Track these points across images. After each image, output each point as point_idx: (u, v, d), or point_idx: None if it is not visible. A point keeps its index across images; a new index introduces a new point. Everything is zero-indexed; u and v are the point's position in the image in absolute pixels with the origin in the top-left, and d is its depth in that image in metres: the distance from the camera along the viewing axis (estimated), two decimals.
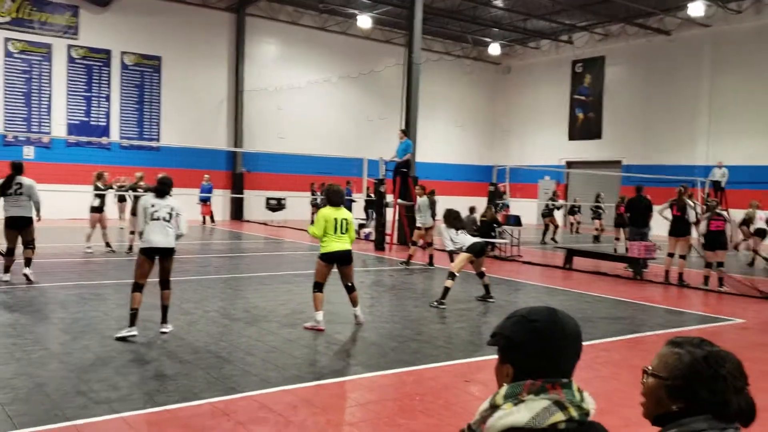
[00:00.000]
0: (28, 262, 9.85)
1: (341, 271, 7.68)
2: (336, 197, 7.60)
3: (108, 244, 14.23)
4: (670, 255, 12.36)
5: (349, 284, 7.71)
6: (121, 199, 17.66)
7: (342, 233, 7.48)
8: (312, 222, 23.18)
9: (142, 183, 14.80)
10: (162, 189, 7.04)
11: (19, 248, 9.90)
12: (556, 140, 31.16)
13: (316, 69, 28.41)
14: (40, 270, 11.03)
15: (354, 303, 7.74)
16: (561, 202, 23.80)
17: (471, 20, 28.03)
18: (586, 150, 29.90)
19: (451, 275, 9.19)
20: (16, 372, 5.44)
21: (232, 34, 26.84)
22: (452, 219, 9.61)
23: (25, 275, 9.74)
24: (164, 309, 7.07)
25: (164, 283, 7.06)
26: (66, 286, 9.81)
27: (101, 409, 4.65)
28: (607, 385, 5.81)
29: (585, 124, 30.35)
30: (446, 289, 9.11)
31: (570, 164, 30.49)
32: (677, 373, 1.65)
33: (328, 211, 7.50)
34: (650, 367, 1.72)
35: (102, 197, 14.40)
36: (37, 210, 9.94)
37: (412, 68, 17.92)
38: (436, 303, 9.10)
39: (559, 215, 23.42)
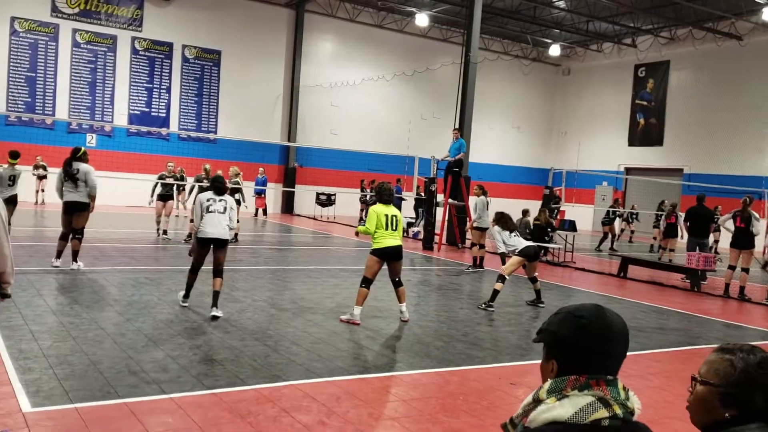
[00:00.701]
0: (75, 255, 9.71)
1: (391, 267, 7.71)
2: (387, 195, 7.72)
3: (165, 232, 14.60)
4: (732, 267, 11.92)
5: (397, 279, 7.73)
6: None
7: (393, 229, 7.56)
8: (361, 219, 23.42)
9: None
10: (219, 187, 7.64)
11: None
12: (614, 145, 30.49)
13: (371, 66, 28.51)
14: (99, 254, 11.40)
15: (400, 299, 7.76)
16: (620, 210, 22.98)
17: (531, 20, 27.65)
18: (646, 156, 29.15)
19: (501, 278, 9.08)
20: (72, 349, 5.63)
21: (290, 30, 27.17)
22: (505, 221, 9.50)
23: (74, 269, 9.62)
24: (215, 295, 7.39)
25: (217, 272, 7.43)
26: (123, 270, 10.10)
27: (151, 389, 4.76)
28: (657, 395, 5.64)
29: (646, 130, 29.59)
30: (495, 292, 9.01)
31: (629, 170, 29.78)
32: (730, 380, 1.61)
33: (379, 208, 7.59)
34: (700, 375, 1.67)
35: (167, 186, 14.80)
36: (92, 197, 9.76)
37: (469, 67, 17.78)
38: (484, 305, 9.01)
39: (617, 223, 22.83)
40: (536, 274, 9.53)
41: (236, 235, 14.75)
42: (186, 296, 7.73)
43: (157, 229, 14.74)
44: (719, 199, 20.22)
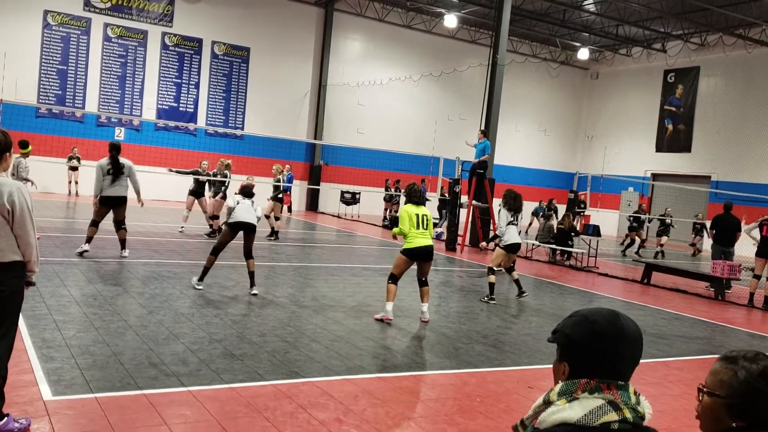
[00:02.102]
0: (123, 244, 10.42)
1: (420, 267, 7.75)
2: (417, 196, 7.82)
3: (211, 227, 14.70)
4: (757, 277, 11.73)
5: (423, 279, 7.75)
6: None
7: (424, 228, 7.62)
8: (384, 218, 23.43)
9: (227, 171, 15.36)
10: (248, 192, 8.65)
11: (103, 225, 10.37)
12: (642, 151, 30.12)
13: (399, 66, 28.52)
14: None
15: (423, 298, 7.76)
16: (645, 216, 21.93)
17: (560, 23, 27.44)
18: (673, 163, 28.77)
19: (491, 270, 9.65)
20: (95, 340, 5.71)
21: (319, 29, 27.28)
22: (510, 199, 9.80)
23: (123, 256, 10.35)
24: (251, 275, 8.41)
25: (248, 254, 8.43)
26: (148, 263, 10.22)
27: (171, 381, 4.81)
28: (676, 403, 5.56)
29: (674, 136, 29.20)
30: (491, 285, 9.55)
31: (655, 176, 29.40)
32: (734, 392, 1.61)
33: (410, 209, 7.66)
34: (705, 385, 1.67)
35: (198, 182, 14.96)
36: (137, 192, 10.50)
37: (496, 69, 17.69)
38: (486, 299, 9.51)
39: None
40: (513, 264, 10.13)
41: (275, 231, 15.15)
42: (200, 279, 8.39)
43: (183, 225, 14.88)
44: (746, 207, 19.85)
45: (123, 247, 10.45)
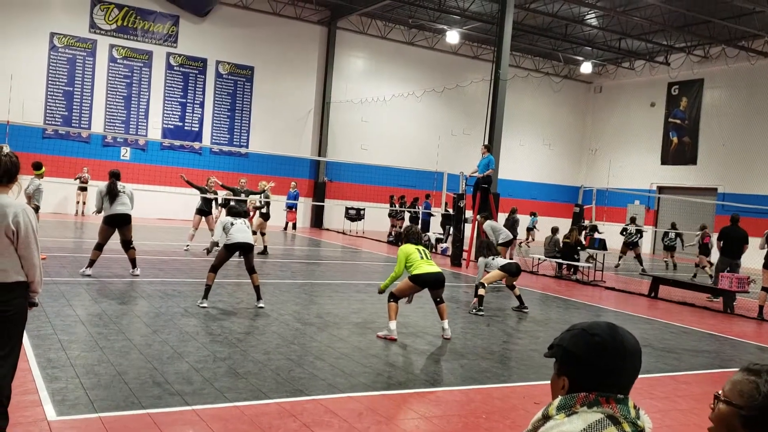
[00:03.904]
0: (134, 263, 10.56)
1: (432, 293, 7.74)
2: (415, 237, 7.94)
3: (265, 248, 15.17)
4: (765, 290, 11.63)
5: (438, 299, 7.74)
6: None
7: (428, 258, 7.67)
8: (390, 234, 23.37)
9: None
10: (238, 212, 8.94)
11: (110, 246, 10.42)
12: (647, 164, 30.09)
13: (402, 82, 28.65)
14: (128, 265, 11.56)
15: (442, 315, 7.73)
16: (632, 228, 21.53)
17: (562, 38, 27.55)
18: (679, 175, 28.72)
19: (482, 285, 9.89)
20: (99, 359, 5.71)
21: (322, 47, 27.47)
22: (485, 249, 10.52)
23: (135, 274, 10.48)
24: (257, 289, 8.70)
25: (251, 270, 8.74)
26: (152, 281, 10.24)
27: (174, 401, 4.80)
28: (684, 418, 5.50)
29: (679, 149, 29.17)
30: (481, 297, 9.77)
31: (661, 189, 29.34)
32: (754, 404, 1.58)
33: (408, 247, 7.72)
34: (722, 393, 1.64)
35: (206, 200, 15.04)
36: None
37: (499, 84, 17.75)
38: (474, 311, 9.69)
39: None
40: (515, 282, 10.27)
41: (265, 247, 15.22)
42: (204, 297, 8.51)
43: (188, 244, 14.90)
44: (754, 219, 19.78)
45: (134, 266, 10.58)
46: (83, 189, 21.82)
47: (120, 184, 10.42)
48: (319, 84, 27.59)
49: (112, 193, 10.23)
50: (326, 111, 27.61)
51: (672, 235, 21.07)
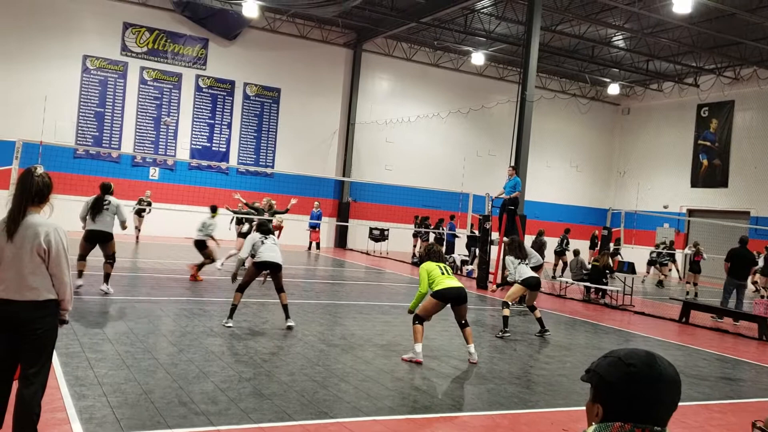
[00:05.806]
0: (106, 278, 10.17)
1: (456, 311, 7.63)
2: (436, 256, 7.89)
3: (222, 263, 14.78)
4: None
5: (463, 321, 7.64)
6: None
7: (449, 274, 7.62)
8: (414, 255, 23.29)
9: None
10: (267, 230, 9.00)
11: (91, 260, 10.50)
12: (676, 186, 29.69)
13: (427, 103, 28.73)
14: (156, 284, 11.66)
15: (468, 340, 7.65)
16: (654, 250, 21.31)
17: (589, 60, 27.45)
18: (709, 198, 28.25)
19: (505, 304, 9.77)
20: (126, 378, 5.72)
21: (347, 69, 27.71)
22: (516, 249, 10.25)
23: (103, 291, 10.07)
24: (285, 308, 8.69)
25: (279, 289, 8.76)
26: (179, 301, 10.29)
27: (199, 420, 4.78)
28: None
29: (710, 171, 28.74)
30: (505, 318, 9.63)
31: (691, 212, 28.89)
32: None
33: (429, 264, 7.69)
34: (761, 423, 1.59)
35: (246, 222, 15.06)
36: (122, 222, 10.30)
37: (525, 105, 17.70)
38: (500, 333, 9.53)
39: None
40: (535, 303, 10.13)
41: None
42: (230, 317, 8.51)
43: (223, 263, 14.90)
44: None
45: (105, 281, 10.15)
46: (139, 213, 20.64)
47: (108, 199, 10.11)
48: (344, 105, 27.79)
49: (95, 208, 10.01)
50: (351, 132, 27.77)
51: (664, 252, 21.34)
